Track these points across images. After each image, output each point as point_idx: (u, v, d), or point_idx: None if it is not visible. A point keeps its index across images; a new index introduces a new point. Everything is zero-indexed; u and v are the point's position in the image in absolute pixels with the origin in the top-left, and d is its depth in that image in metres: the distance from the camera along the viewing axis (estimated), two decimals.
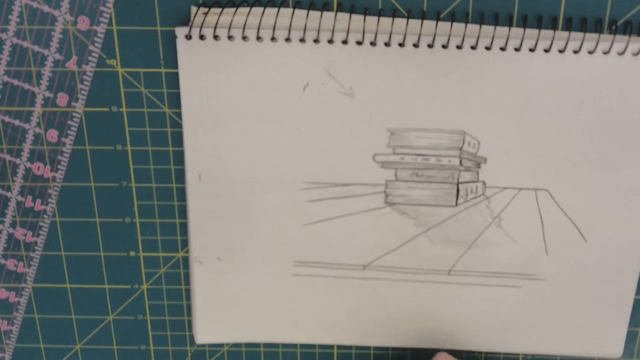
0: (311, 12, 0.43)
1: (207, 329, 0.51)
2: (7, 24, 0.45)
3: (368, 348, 0.52)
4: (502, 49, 0.43)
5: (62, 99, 0.46)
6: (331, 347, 0.52)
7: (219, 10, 0.43)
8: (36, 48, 0.45)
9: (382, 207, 0.47)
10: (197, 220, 0.48)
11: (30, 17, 0.44)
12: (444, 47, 0.43)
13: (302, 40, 0.43)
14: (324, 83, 0.44)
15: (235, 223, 0.48)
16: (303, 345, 0.52)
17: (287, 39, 0.43)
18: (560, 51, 0.43)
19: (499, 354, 0.52)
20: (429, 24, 0.43)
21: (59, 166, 0.48)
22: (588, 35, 0.42)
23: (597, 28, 0.43)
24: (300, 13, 0.43)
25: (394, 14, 0.43)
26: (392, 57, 0.43)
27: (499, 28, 0.43)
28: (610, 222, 0.46)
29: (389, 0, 0.43)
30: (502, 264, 0.48)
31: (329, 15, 0.43)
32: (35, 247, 0.50)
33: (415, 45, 0.43)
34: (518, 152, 0.45)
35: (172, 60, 0.45)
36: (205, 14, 0.43)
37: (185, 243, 0.50)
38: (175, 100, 0.46)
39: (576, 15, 0.43)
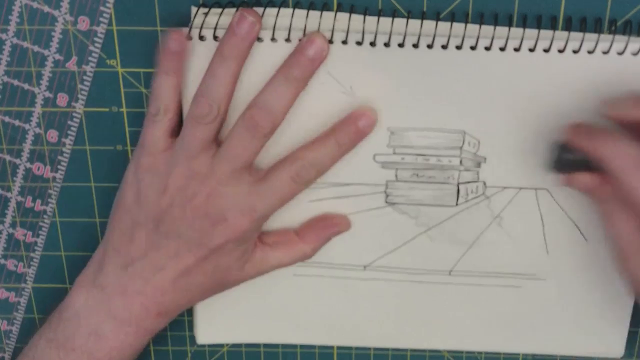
0: (311, 12, 0.43)
1: (207, 329, 0.51)
2: (7, 24, 0.45)
3: (368, 348, 0.52)
4: (502, 49, 0.43)
5: (62, 99, 0.46)
6: (331, 347, 0.52)
7: (219, 10, 0.43)
8: (36, 48, 0.45)
9: (382, 207, 0.47)
10: None
11: (30, 17, 0.44)
12: (444, 47, 0.43)
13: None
14: (324, 83, 0.44)
15: None
16: (303, 346, 0.52)
17: (287, 39, 0.43)
18: (560, 51, 0.43)
19: (499, 354, 0.52)
20: (429, 24, 0.43)
21: (59, 166, 0.48)
22: (588, 35, 0.42)
23: (597, 28, 0.43)
24: (300, 13, 0.43)
25: (394, 14, 0.43)
26: (392, 57, 0.43)
27: (498, 28, 0.43)
28: None
29: (388, 1, 0.43)
30: (503, 264, 0.48)
31: (328, 15, 0.43)
32: (35, 247, 0.50)
33: (415, 46, 0.43)
34: (518, 151, 0.45)
35: None
36: (206, 14, 0.43)
37: None
38: None
39: (576, 15, 0.43)
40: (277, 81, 0.42)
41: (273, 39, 0.43)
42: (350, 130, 0.43)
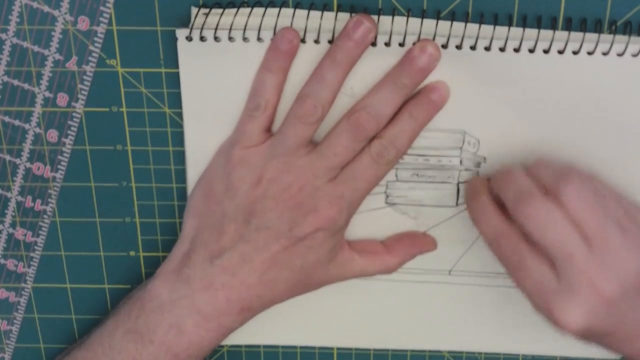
0: (311, 13, 0.43)
1: None
2: (7, 24, 0.45)
3: (368, 349, 0.52)
4: (502, 49, 0.43)
5: (62, 99, 0.46)
6: (331, 348, 0.52)
7: (219, 11, 0.43)
8: (36, 48, 0.45)
9: (382, 208, 0.47)
10: None
11: (30, 17, 0.44)
12: (444, 46, 0.43)
13: (302, 40, 0.43)
14: None
15: None
16: (303, 346, 0.52)
17: None
18: (560, 52, 0.43)
19: (499, 354, 0.52)
20: (429, 24, 0.43)
21: (59, 166, 0.48)
22: (588, 35, 0.42)
23: (597, 28, 0.43)
24: (301, 13, 0.43)
25: (394, 13, 0.43)
26: (392, 57, 0.43)
27: (498, 28, 0.43)
28: None
29: (389, 0, 0.43)
30: None
31: (329, 16, 0.43)
32: (35, 247, 0.50)
33: None
34: (518, 151, 0.45)
35: (172, 60, 0.45)
36: (206, 14, 0.43)
37: None
38: (175, 100, 0.46)
39: (576, 15, 0.43)
40: (385, 87, 0.43)
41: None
42: (422, 102, 0.43)
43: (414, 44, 0.42)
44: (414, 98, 0.43)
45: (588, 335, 0.40)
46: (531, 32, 0.43)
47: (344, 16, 0.43)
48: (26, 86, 0.46)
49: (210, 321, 0.44)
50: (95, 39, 0.45)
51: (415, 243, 0.48)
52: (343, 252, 0.46)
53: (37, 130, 0.47)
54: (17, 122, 0.47)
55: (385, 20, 0.43)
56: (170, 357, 0.45)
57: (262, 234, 0.43)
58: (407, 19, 0.43)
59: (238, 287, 0.44)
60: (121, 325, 0.46)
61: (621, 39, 0.42)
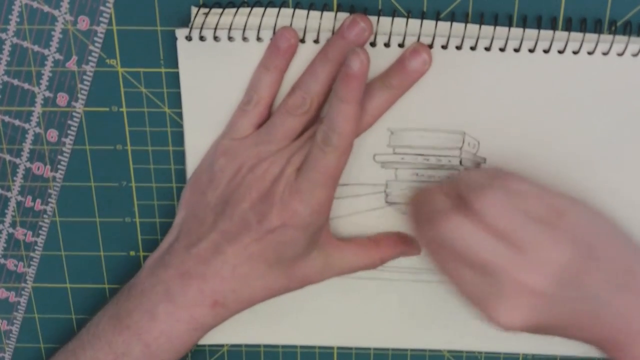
0: (311, 13, 0.43)
1: None
2: (7, 24, 0.45)
3: (368, 348, 0.52)
4: (502, 49, 0.43)
5: (62, 99, 0.46)
6: (331, 347, 0.52)
7: (219, 10, 0.43)
8: (36, 48, 0.45)
9: (382, 207, 0.47)
10: None
11: (30, 17, 0.44)
12: (444, 47, 0.43)
13: (302, 40, 0.43)
14: None
15: None
16: (303, 346, 0.52)
17: None
18: (560, 52, 0.43)
19: (499, 354, 0.52)
20: (429, 24, 0.43)
21: (59, 166, 0.48)
22: (588, 35, 0.42)
23: (597, 28, 0.43)
24: (301, 13, 0.43)
25: (394, 13, 0.43)
26: (392, 57, 0.43)
27: (498, 28, 0.43)
28: None
29: (388, 0, 0.43)
30: None
31: (329, 16, 0.43)
32: (35, 247, 0.50)
33: None
34: (517, 152, 0.45)
35: (172, 60, 0.45)
36: (206, 14, 0.43)
37: None
38: (175, 100, 0.46)
39: (576, 15, 0.43)
40: (374, 87, 0.43)
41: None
42: (346, 80, 0.41)
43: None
44: (339, 78, 0.42)
45: (534, 330, 0.40)
46: (531, 32, 0.43)
47: (343, 16, 0.43)
48: (26, 86, 0.46)
49: (182, 310, 0.44)
50: (95, 38, 0.45)
51: (398, 243, 0.47)
52: (329, 247, 0.46)
53: (37, 130, 0.47)
54: (17, 122, 0.47)
55: (385, 21, 0.43)
56: (142, 346, 0.44)
57: (235, 224, 0.43)
58: (407, 20, 0.43)
59: (211, 278, 0.44)
60: (107, 313, 0.46)
61: (621, 39, 0.42)
